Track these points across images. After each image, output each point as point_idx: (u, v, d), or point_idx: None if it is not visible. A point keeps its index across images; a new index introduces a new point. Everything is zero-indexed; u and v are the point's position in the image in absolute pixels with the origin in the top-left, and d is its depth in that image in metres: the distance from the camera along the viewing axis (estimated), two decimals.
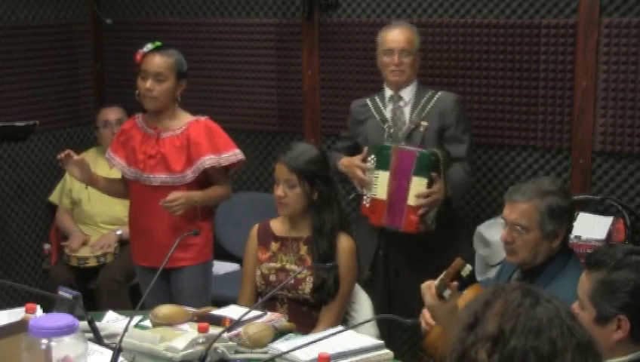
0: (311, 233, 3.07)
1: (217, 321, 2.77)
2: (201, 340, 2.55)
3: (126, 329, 2.40)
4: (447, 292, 2.49)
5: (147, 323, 2.84)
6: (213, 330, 2.62)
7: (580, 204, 3.76)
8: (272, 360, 2.59)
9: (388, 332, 3.18)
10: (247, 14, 4.65)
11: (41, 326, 1.95)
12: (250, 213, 4.15)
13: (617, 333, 2.08)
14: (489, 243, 3.78)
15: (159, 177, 3.53)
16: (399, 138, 3.66)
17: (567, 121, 3.89)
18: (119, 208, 4.38)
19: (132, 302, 4.14)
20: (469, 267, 2.54)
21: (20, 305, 2.82)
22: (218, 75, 4.74)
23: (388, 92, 3.74)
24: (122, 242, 4.34)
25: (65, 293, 2.71)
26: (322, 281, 2.98)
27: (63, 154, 3.49)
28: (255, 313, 2.82)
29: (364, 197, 3.66)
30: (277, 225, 3.18)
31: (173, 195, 3.44)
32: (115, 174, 4.57)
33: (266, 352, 2.63)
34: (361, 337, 2.71)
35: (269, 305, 3.01)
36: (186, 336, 2.61)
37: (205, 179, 3.57)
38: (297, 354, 2.51)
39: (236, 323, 2.61)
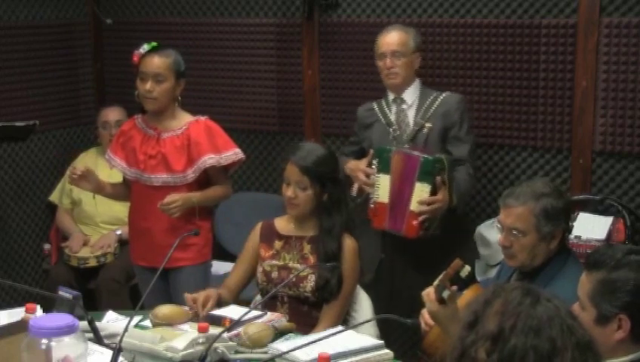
0: (318, 233, 3.08)
1: (217, 321, 2.77)
2: (201, 340, 2.55)
3: (126, 329, 2.40)
4: (445, 294, 2.49)
5: (147, 323, 2.84)
6: (213, 330, 2.62)
7: (580, 204, 3.77)
8: (272, 360, 2.59)
9: (388, 333, 3.18)
10: (247, 14, 4.65)
11: (41, 326, 1.94)
12: (250, 213, 4.15)
13: (618, 333, 2.08)
14: (489, 243, 3.78)
15: (160, 177, 3.53)
16: (403, 140, 3.65)
17: (567, 121, 3.89)
18: (119, 208, 4.38)
19: (132, 302, 4.14)
20: (467, 268, 2.54)
21: (20, 305, 2.82)
22: (218, 75, 4.74)
23: (390, 95, 3.75)
24: (122, 242, 4.34)
25: (65, 293, 2.71)
26: (325, 281, 2.99)
27: (74, 175, 3.51)
28: (255, 313, 2.82)
29: (370, 201, 3.64)
30: (281, 224, 3.18)
31: (171, 197, 3.44)
32: (117, 175, 4.58)
33: (266, 352, 2.63)
34: (361, 337, 2.71)
35: (270, 304, 3.02)
36: (186, 336, 2.61)
37: (205, 179, 3.57)
38: (297, 354, 2.51)
39: (236, 323, 2.61)
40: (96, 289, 4.24)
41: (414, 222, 3.50)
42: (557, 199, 2.75)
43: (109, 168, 4.56)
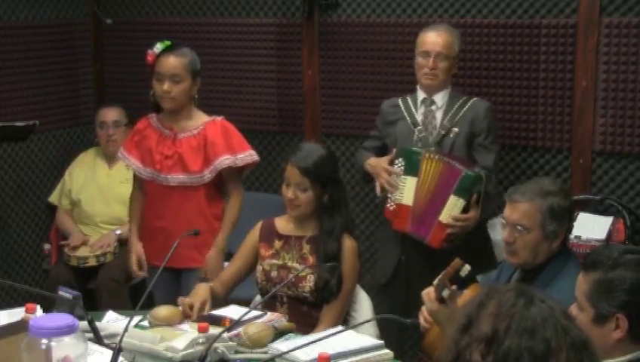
0: (317, 233, 3.08)
1: (217, 321, 2.77)
2: (201, 340, 2.56)
3: (126, 329, 2.40)
4: (445, 293, 2.49)
5: (147, 323, 2.84)
6: (213, 330, 2.63)
7: (580, 204, 3.76)
8: (272, 360, 2.59)
9: (388, 332, 3.17)
10: (247, 14, 4.65)
11: (41, 326, 1.94)
12: (250, 213, 4.13)
13: (616, 333, 2.09)
14: None
15: (177, 178, 3.52)
16: (429, 143, 3.56)
17: (567, 121, 3.89)
18: (119, 208, 4.38)
19: (132, 301, 4.13)
20: (467, 267, 2.54)
21: (20, 305, 2.82)
22: (218, 75, 4.74)
23: (420, 94, 3.64)
24: (122, 242, 4.34)
25: (65, 293, 2.71)
26: (325, 282, 2.99)
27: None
28: (255, 313, 2.82)
29: (389, 200, 3.58)
30: (281, 224, 3.18)
31: (211, 266, 3.48)
32: (116, 174, 4.58)
33: (266, 352, 2.64)
34: (361, 337, 2.72)
35: (269, 304, 3.02)
36: (186, 336, 2.61)
37: (219, 180, 3.56)
38: (297, 354, 2.51)
39: (236, 323, 2.61)
40: (96, 289, 4.24)
41: (441, 234, 3.43)
42: (563, 199, 2.75)
43: (107, 168, 4.57)
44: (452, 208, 3.42)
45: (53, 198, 4.66)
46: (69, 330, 1.94)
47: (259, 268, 3.13)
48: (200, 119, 3.57)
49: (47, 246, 4.77)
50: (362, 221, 4.41)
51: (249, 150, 3.56)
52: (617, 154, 3.81)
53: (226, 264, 4.50)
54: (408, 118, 3.64)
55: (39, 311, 2.74)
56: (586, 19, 3.78)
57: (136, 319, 2.75)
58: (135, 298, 4.05)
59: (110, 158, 4.51)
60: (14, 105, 4.55)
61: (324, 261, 2.99)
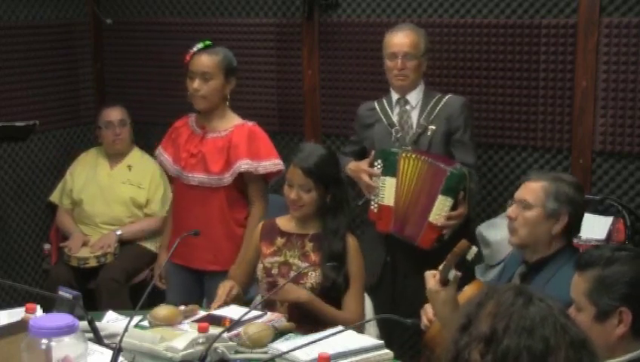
0: (320, 231, 3.09)
1: (217, 321, 2.77)
2: (201, 340, 2.56)
3: (126, 329, 2.40)
4: (451, 275, 2.51)
5: (147, 323, 2.84)
6: (213, 330, 2.63)
7: None
8: (272, 360, 2.59)
9: (388, 332, 3.18)
10: (247, 14, 4.65)
11: (41, 326, 1.94)
12: None
13: (619, 328, 2.09)
14: (489, 243, 3.77)
15: (197, 177, 3.52)
16: (406, 142, 3.61)
17: (567, 121, 3.89)
18: (119, 208, 4.39)
19: (132, 302, 4.13)
20: (474, 249, 2.55)
21: (20, 305, 2.82)
22: None
23: (394, 95, 3.69)
24: (122, 242, 4.35)
25: (65, 293, 2.72)
26: (332, 282, 3.00)
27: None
28: (255, 313, 2.82)
29: (372, 202, 3.62)
30: (283, 222, 3.20)
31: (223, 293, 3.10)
32: (116, 175, 4.58)
33: (266, 352, 2.64)
34: (361, 337, 2.72)
35: (269, 304, 3.02)
36: (186, 336, 2.61)
37: (243, 185, 3.53)
38: (297, 354, 2.51)
39: (236, 323, 2.61)
40: (96, 289, 4.24)
41: (432, 235, 3.45)
42: (573, 189, 2.77)
43: (109, 168, 4.58)
44: (441, 208, 3.44)
45: (54, 198, 4.66)
46: (69, 330, 1.94)
47: (260, 266, 3.14)
48: (231, 121, 3.57)
49: (47, 246, 4.77)
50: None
51: (275, 158, 3.52)
52: (617, 154, 3.81)
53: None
54: (384, 120, 3.68)
55: (39, 311, 2.74)
56: (586, 19, 3.78)
57: (136, 319, 2.75)
58: (135, 298, 4.04)
59: (113, 158, 4.53)
60: (14, 105, 4.55)
61: (329, 260, 3.00)
